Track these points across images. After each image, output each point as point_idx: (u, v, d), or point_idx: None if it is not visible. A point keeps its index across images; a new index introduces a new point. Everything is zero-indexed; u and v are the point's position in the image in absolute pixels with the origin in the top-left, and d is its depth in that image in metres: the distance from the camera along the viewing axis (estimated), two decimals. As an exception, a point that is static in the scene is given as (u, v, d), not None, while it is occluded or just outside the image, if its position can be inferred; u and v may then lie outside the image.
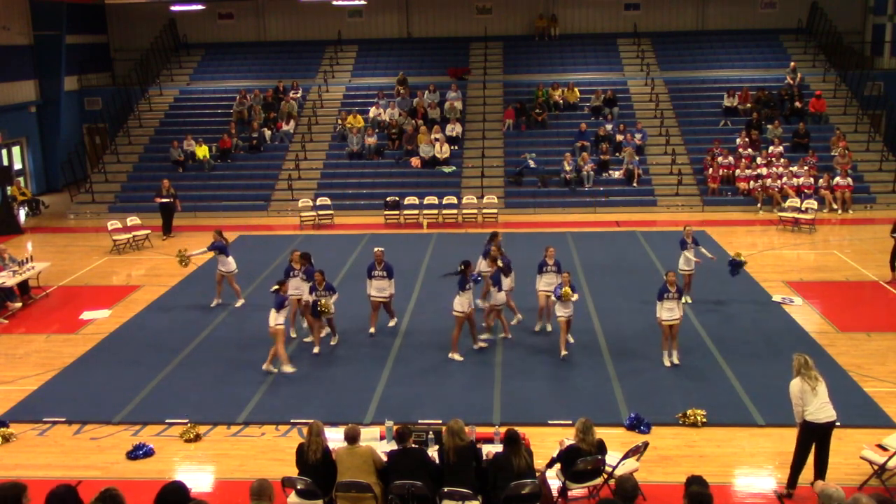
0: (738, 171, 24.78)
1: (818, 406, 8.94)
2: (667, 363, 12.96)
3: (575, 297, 13.00)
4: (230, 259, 16.01)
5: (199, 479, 9.96)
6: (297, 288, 14.06)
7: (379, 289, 14.33)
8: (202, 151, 26.77)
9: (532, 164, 25.77)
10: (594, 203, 24.55)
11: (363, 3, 30.66)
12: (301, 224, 23.54)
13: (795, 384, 9.05)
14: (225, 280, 16.09)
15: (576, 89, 28.62)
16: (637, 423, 10.91)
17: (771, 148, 25.30)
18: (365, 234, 22.12)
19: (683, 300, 15.54)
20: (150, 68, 31.07)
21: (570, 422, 10.06)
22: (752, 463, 10.05)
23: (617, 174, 25.48)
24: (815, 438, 9.06)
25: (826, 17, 29.93)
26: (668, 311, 12.73)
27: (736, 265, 15.39)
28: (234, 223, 23.92)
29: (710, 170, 24.91)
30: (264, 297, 16.38)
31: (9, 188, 24.32)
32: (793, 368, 9.17)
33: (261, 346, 14.10)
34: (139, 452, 10.46)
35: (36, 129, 29.08)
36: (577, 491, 8.95)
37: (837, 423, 9.11)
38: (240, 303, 16.20)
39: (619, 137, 26.43)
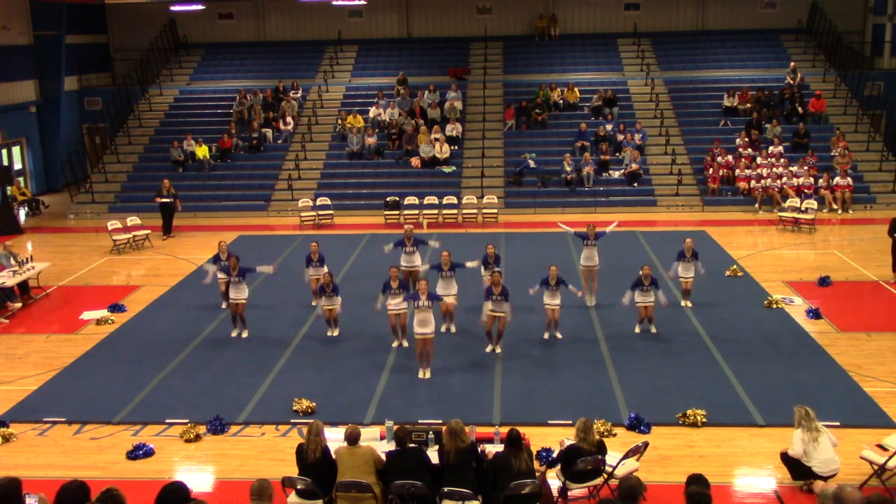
0: (737, 171, 24.79)
1: (823, 461, 8.93)
2: (637, 330, 14.32)
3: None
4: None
5: (199, 479, 9.97)
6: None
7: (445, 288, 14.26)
8: (202, 151, 26.76)
9: (532, 164, 25.76)
10: (594, 203, 24.55)
11: (363, 3, 30.66)
12: (301, 224, 23.54)
13: (798, 435, 9.03)
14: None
15: (576, 89, 28.61)
16: (637, 423, 10.91)
17: (771, 148, 25.30)
18: (365, 234, 22.13)
19: (683, 304, 15.59)
20: (150, 68, 31.07)
21: (570, 422, 10.05)
22: (752, 463, 10.05)
23: (617, 174, 25.48)
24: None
25: (826, 17, 29.92)
26: (643, 297, 14.08)
27: None
28: (234, 223, 23.93)
29: (710, 170, 24.90)
30: (264, 298, 16.43)
31: (9, 188, 24.33)
32: (794, 420, 9.17)
33: (261, 346, 14.13)
34: (139, 452, 10.45)
35: (36, 129, 29.08)
36: (577, 491, 8.95)
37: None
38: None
39: (620, 137, 26.43)
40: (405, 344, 13.89)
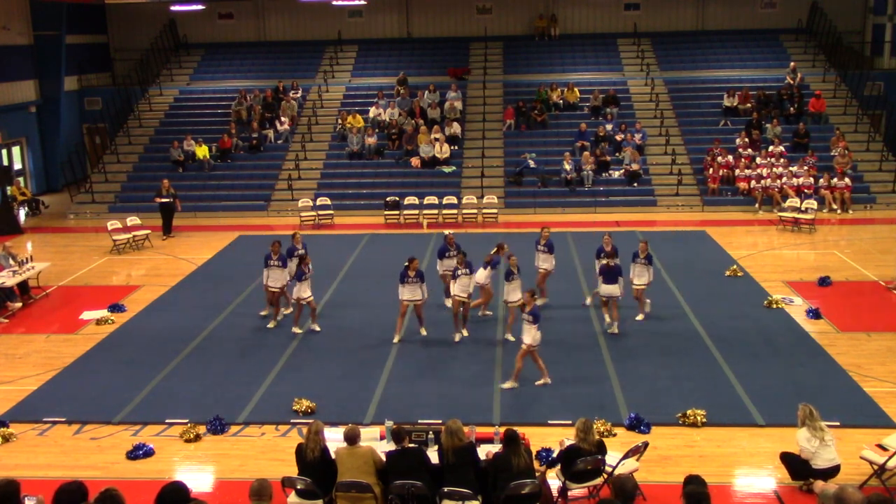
0: (737, 171, 24.79)
1: (828, 459, 8.96)
2: (609, 328, 14.32)
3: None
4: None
5: (199, 479, 9.97)
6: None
7: (463, 287, 14.00)
8: (202, 151, 26.76)
9: (532, 164, 25.77)
10: (594, 203, 24.55)
11: (363, 3, 30.66)
12: (301, 224, 23.52)
13: (803, 433, 9.01)
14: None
15: (576, 89, 28.62)
16: (637, 423, 10.91)
17: (771, 148, 25.30)
18: (365, 234, 22.13)
19: (639, 318, 14.94)
20: (150, 68, 31.07)
21: (570, 422, 10.05)
22: (752, 463, 10.05)
23: (617, 174, 25.48)
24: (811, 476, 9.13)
25: (826, 17, 29.93)
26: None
27: None
28: (234, 223, 23.93)
29: (710, 170, 24.90)
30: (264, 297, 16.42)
31: (9, 188, 24.33)
32: (797, 418, 9.15)
33: (261, 346, 14.13)
34: (139, 452, 10.45)
35: (36, 129, 29.07)
36: (577, 491, 8.95)
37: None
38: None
39: (619, 137, 26.44)
40: (465, 333, 14.18)
